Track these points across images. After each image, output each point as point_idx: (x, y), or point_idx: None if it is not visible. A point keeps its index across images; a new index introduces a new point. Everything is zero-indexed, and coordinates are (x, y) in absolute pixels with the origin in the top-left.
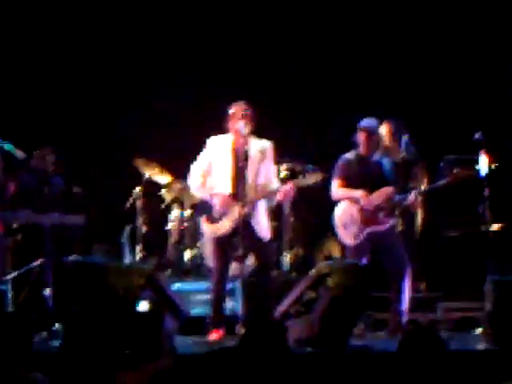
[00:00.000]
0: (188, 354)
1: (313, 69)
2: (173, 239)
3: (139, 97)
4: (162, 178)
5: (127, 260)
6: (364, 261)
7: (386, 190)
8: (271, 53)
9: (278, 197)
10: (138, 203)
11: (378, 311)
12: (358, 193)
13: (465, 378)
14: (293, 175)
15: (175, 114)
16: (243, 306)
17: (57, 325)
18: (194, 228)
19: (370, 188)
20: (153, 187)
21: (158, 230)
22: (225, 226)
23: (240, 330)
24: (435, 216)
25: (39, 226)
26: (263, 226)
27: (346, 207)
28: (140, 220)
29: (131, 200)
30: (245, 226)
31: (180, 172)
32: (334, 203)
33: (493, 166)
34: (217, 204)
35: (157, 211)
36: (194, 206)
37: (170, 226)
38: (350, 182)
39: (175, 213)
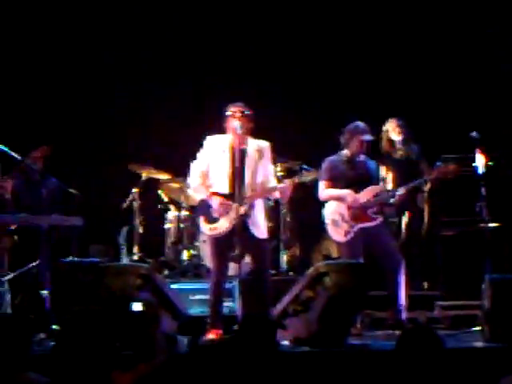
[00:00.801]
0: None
1: (310, 70)
2: (170, 239)
3: (138, 98)
4: (161, 175)
5: (124, 261)
6: (359, 258)
7: (373, 188)
8: (267, 53)
9: (277, 194)
10: (135, 204)
11: (376, 310)
12: (345, 192)
13: (463, 375)
14: (289, 174)
15: (173, 114)
16: (241, 307)
17: (54, 326)
18: (192, 228)
19: (357, 188)
20: (150, 188)
21: (155, 231)
22: (222, 225)
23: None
24: (432, 215)
25: (36, 227)
26: (260, 225)
27: (335, 206)
28: (137, 220)
29: (128, 200)
30: (242, 226)
31: (178, 172)
32: (323, 203)
33: (489, 165)
34: (215, 204)
35: (154, 211)
36: (191, 206)
37: (167, 226)
38: (336, 183)
39: (173, 213)
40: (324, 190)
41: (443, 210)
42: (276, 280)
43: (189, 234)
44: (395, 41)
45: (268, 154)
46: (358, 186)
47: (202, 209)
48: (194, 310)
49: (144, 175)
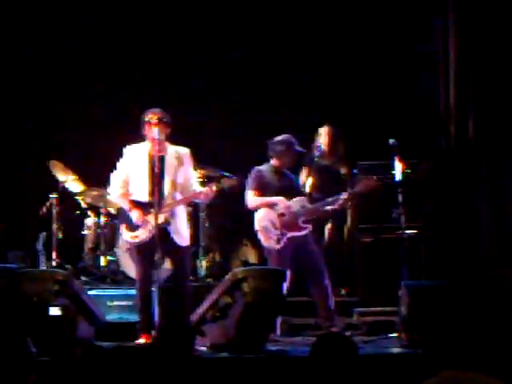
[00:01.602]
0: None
1: (231, 73)
2: (88, 246)
3: (56, 100)
4: (76, 186)
5: (42, 267)
6: (287, 266)
7: (303, 199)
8: (188, 54)
9: (200, 198)
10: (54, 209)
11: (295, 316)
12: (276, 199)
13: (379, 381)
14: (208, 181)
15: (95, 118)
16: (159, 313)
17: None
18: (111, 234)
19: (285, 197)
20: (68, 193)
21: (73, 237)
22: (142, 233)
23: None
24: (352, 221)
25: None
26: (182, 233)
27: (266, 212)
28: (55, 226)
29: (46, 206)
30: (162, 233)
31: (96, 179)
32: (251, 211)
33: (407, 172)
34: (134, 216)
35: (72, 217)
36: (109, 213)
37: (85, 232)
38: (264, 192)
39: (91, 219)
40: (253, 198)
41: (361, 217)
42: (195, 286)
43: (107, 240)
44: (317, 45)
45: (188, 160)
46: (285, 197)
47: (123, 217)
48: (112, 316)
49: (62, 180)
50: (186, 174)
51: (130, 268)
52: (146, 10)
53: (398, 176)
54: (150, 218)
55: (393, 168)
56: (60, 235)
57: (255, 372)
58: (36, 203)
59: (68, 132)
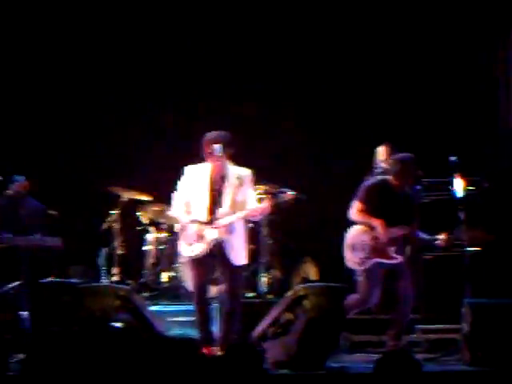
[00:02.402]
0: None
1: (282, 93)
2: (150, 261)
3: (120, 123)
4: (142, 197)
5: (103, 282)
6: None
7: (405, 228)
8: (246, 77)
9: (256, 214)
10: (115, 225)
11: (355, 333)
12: (377, 222)
13: None
14: (268, 196)
15: (153, 139)
16: (220, 328)
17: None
18: (172, 250)
19: (390, 219)
20: (129, 209)
21: (134, 252)
22: (199, 248)
23: (216, 351)
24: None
25: (16, 248)
26: (238, 250)
27: (360, 231)
28: (116, 242)
29: (108, 222)
30: (217, 249)
31: (158, 195)
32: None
33: (468, 189)
34: (192, 227)
35: (133, 233)
36: (170, 229)
37: (146, 247)
38: (371, 208)
39: (152, 235)
40: (356, 212)
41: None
42: (255, 303)
43: (168, 255)
44: (381, 64)
45: (249, 181)
46: (390, 218)
47: (181, 231)
48: (173, 332)
49: (124, 196)
50: (245, 195)
51: (190, 282)
52: (223, 34)
53: (460, 193)
54: (207, 234)
55: (452, 185)
56: (121, 251)
57: None
58: (98, 219)
59: (130, 150)
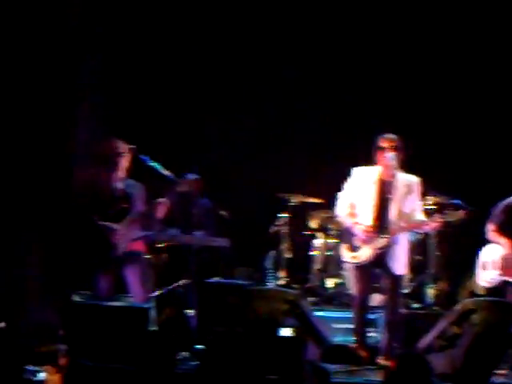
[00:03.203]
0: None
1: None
2: (316, 266)
3: (292, 130)
4: (311, 199)
5: (270, 285)
6: None
7: None
8: (424, 86)
9: (425, 228)
10: (284, 229)
11: None
12: (503, 241)
13: None
14: (438, 209)
15: (320, 145)
16: (383, 338)
17: (198, 345)
18: (339, 256)
19: None
20: (298, 214)
21: (301, 257)
22: (364, 254)
23: (380, 362)
24: None
25: (185, 246)
26: (400, 260)
27: (492, 249)
28: (284, 246)
29: (277, 225)
30: (379, 258)
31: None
32: (481, 242)
33: None
34: (358, 231)
35: (301, 238)
36: (339, 235)
37: (314, 252)
38: (504, 228)
39: (320, 240)
40: (489, 232)
41: None
42: (420, 314)
43: (335, 261)
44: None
45: (417, 189)
46: None
47: (345, 237)
48: (338, 339)
49: (294, 201)
50: (413, 203)
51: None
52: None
53: None
54: (374, 241)
55: None
56: (289, 255)
57: None
58: (266, 222)
59: (295, 154)
